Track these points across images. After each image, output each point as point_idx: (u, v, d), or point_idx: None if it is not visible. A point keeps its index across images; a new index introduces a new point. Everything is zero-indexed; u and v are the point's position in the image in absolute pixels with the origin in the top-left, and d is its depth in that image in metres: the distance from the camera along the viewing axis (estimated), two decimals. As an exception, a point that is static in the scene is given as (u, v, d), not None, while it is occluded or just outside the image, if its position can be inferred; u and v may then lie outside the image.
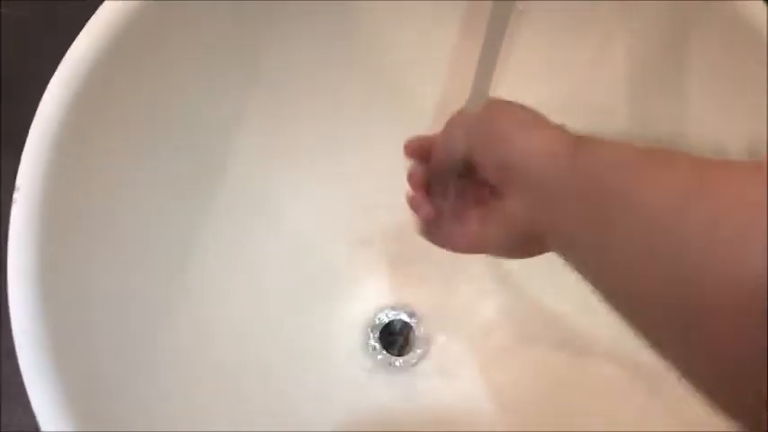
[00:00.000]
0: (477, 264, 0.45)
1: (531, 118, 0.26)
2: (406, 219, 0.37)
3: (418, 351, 0.46)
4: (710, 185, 0.20)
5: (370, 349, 0.46)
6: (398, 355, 0.46)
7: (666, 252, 0.20)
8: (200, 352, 0.38)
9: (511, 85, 0.40)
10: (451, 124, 0.29)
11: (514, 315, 0.45)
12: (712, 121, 0.34)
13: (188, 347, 0.38)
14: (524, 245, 0.27)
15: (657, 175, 0.21)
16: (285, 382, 0.42)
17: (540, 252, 0.27)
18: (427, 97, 0.40)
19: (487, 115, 0.27)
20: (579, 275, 0.24)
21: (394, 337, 0.46)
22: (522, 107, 0.27)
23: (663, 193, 0.21)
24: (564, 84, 0.38)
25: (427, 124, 0.40)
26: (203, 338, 0.39)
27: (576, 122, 0.40)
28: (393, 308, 0.46)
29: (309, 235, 0.44)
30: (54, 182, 0.30)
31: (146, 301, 0.36)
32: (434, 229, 0.32)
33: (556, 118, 0.38)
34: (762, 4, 0.30)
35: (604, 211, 0.22)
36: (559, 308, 0.44)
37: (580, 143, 0.24)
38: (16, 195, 0.30)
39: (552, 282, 0.42)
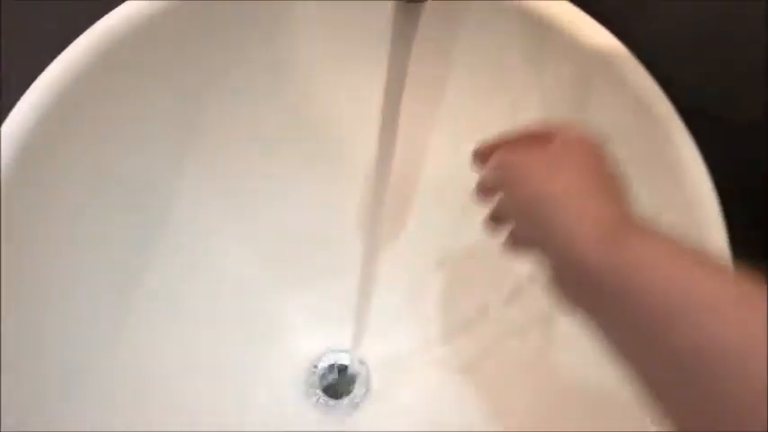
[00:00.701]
0: (423, 306, 0.48)
1: (577, 190, 0.25)
2: (347, 263, 0.39)
3: (360, 394, 0.47)
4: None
5: (312, 392, 0.47)
6: (340, 398, 0.47)
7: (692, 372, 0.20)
8: (137, 396, 0.39)
9: (439, 142, 0.43)
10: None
11: (456, 357, 0.47)
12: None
13: (128, 389, 0.39)
14: None
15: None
16: (226, 425, 0.43)
17: None
18: (361, 147, 0.42)
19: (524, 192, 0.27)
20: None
21: (336, 380, 0.48)
22: (572, 172, 0.26)
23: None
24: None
25: (361, 172, 0.42)
26: (140, 384, 0.40)
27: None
28: (334, 351, 0.48)
29: (249, 281, 0.46)
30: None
31: (88, 342, 0.38)
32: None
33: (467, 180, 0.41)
34: (644, 71, 0.34)
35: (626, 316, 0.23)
36: (513, 354, 0.45)
37: (621, 236, 0.24)
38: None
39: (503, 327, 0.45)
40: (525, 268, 0.43)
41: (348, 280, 0.41)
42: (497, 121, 0.40)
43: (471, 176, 0.43)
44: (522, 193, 0.26)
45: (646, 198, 0.36)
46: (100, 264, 0.39)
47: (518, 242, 0.29)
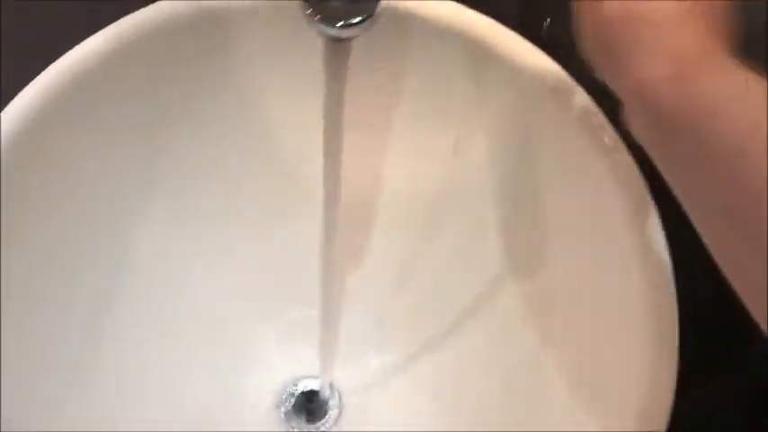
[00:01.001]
0: (390, 327, 0.48)
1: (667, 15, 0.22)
2: (314, 291, 0.40)
3: (333, 417, 0.47)
4: None
5: (285, 419, 0.47)
6: (314, 422, 0.47)
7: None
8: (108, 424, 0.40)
9: (392, 167, 0.44)
10: None
11: (427, 374, 0.47)
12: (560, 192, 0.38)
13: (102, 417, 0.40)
14: None
15: None
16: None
17: None
18: (319, 182, 0.43)
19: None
20: None
21: (308, 406, 0.48)
22: None
23: None
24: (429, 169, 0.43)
25: (321, 211, 0.43)
26: (110, 411, 0.41)
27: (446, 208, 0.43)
28: (304, 377, 0.48)
29: (215, 313, 0.47)
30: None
31: (56, 379, 0.38)
32: None
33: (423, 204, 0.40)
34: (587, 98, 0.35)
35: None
36: (485, 367, 0.45)
37: (700, 71, 0.22)
38: None
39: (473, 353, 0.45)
40: (488, 282, 0.44)
41: (315, 307, 0.42)
42: (446, 146, 0.42)
43: (427, 198, 0.44)
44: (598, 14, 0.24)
45: (592, 225, 0.37)
46: (69, 297, 0.39)
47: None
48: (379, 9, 0.26)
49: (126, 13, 0.38)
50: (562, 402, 0.38)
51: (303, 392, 0.48)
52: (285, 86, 0.42)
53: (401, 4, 0.37)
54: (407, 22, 0.37)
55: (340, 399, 0.48)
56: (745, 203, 0.20)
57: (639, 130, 0.24)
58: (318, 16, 0.25)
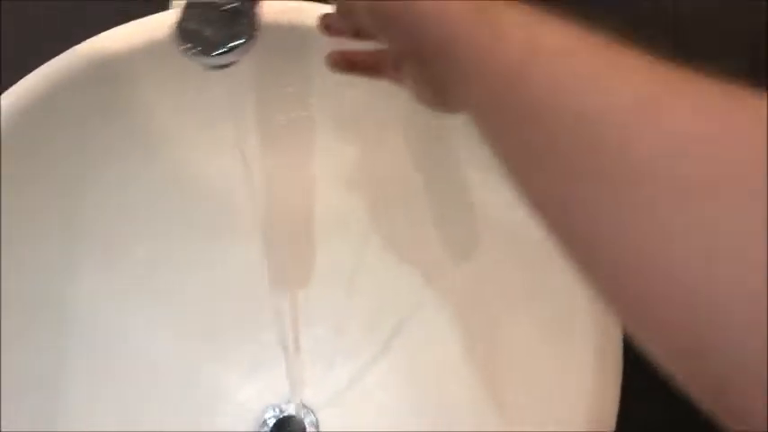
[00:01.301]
0: (350, 336, 0.48)
1: None
2: (267, 314, 0.40)
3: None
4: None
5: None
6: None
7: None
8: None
9: (324, 180, 0.44)
10: None
11: (395, 376, 0.47)
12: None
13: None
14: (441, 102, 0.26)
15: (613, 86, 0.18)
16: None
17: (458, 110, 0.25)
18: (249, 210, 0.41)
19: None
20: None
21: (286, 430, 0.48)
22: None
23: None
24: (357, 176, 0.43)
25: (257, 237, 0.43)
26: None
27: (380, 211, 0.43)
28: (277, 403, 0.48)
29: (173, 355, 0.46)
30: None
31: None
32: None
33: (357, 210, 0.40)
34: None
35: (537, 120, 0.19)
36: (450, 362, 0.45)
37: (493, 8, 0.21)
38: None
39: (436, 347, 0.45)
40: (435, 276, 0.44)
41: (272, 331, 0.41)
42: (368, 148, 0.42)
43: (360, 204, 0.44)
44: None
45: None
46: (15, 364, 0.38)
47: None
48: (257, 30, 0.26)
49: (126, 12, 0.39)
50: (513, 399, 0.38)
51: (278, 419, 0.48)
52: (198, 123, 0.42)
53: (278, 20, 0.37)
54: (297, 35, 0.37)
55: (315, 416, 0.47)
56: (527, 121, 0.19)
57: (439, 82, 0.23)
58: (195, 49, 0.25)
